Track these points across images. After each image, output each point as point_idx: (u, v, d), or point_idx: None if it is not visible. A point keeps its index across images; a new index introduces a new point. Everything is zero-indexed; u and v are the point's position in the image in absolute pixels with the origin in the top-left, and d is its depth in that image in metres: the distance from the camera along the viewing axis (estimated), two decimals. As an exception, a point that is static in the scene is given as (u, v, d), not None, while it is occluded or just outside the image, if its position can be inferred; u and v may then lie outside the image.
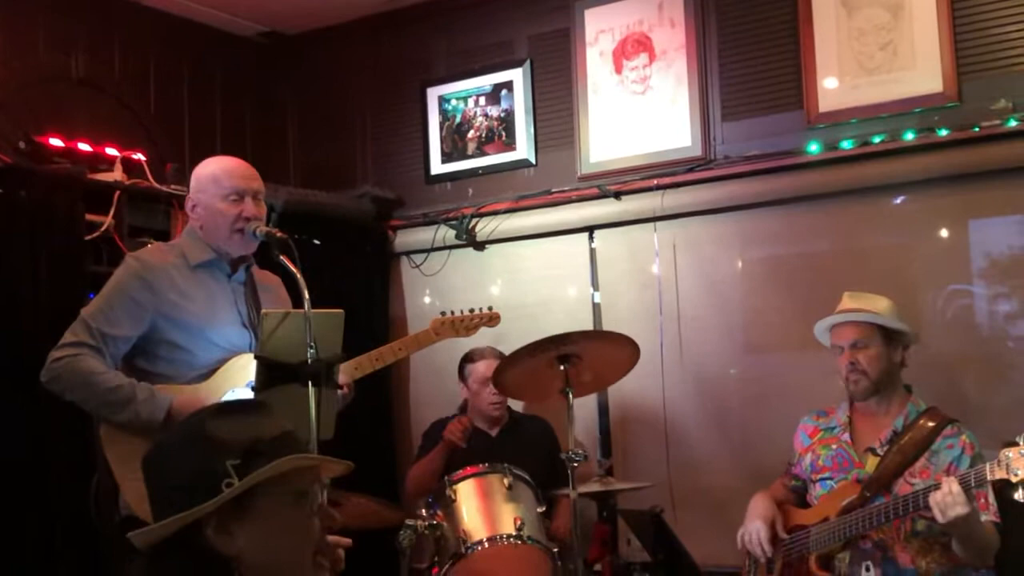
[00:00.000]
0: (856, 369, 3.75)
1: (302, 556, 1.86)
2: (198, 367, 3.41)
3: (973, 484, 3.26)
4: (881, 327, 3.76)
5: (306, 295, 3.13)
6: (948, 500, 3.24)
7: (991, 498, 3.51)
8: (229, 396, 3.37)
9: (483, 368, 4.87)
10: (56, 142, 4.78)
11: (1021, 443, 3.15)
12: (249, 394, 3.33)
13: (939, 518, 3.28)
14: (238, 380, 3.40)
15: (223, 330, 3.47)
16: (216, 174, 3.52)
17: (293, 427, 1.95)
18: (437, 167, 5.84)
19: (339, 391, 3.43)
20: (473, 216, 5.61)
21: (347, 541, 1.96)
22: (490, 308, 4.10)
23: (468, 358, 4.97)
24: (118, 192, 4.80)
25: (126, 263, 3.48)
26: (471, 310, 4.04)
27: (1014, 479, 3.13)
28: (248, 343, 3.50)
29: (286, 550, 1.84)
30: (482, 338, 4.88)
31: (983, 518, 3.48)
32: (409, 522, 4.00)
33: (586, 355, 4.13)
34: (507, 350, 4.33)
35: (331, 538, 1.94)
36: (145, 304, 3.36)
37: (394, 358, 3.76)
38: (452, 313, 4.02)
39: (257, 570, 1.81)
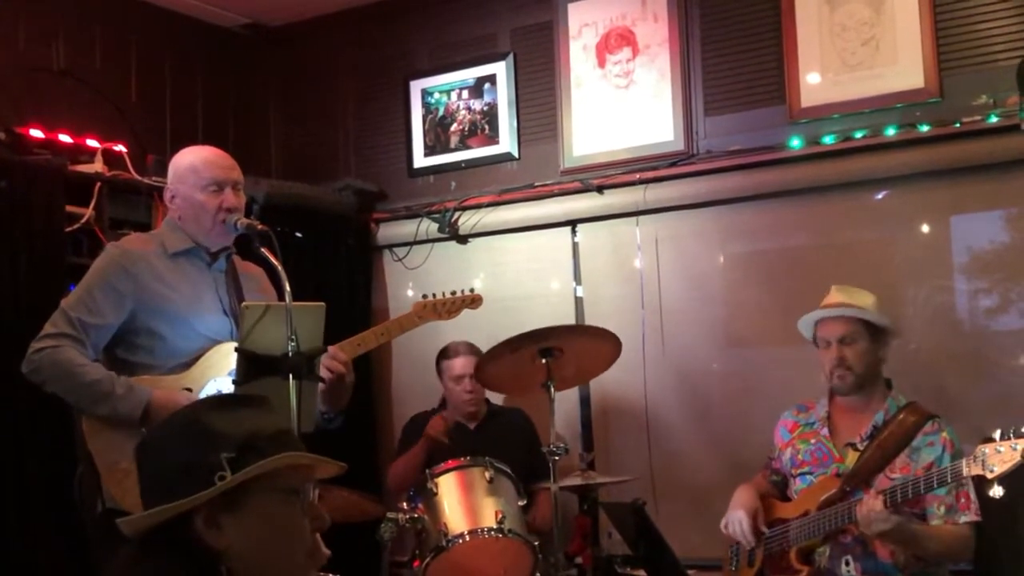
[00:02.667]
0: (843, 364, 3.75)
1: (291, 554, 1.84)
2: (178, 356, 3.40)
3: (936, 481, 3.32)
4: (867, 323, 3.76)
5: (287, 288, 3.12)
6: (871, 516, 3.33)
7: (972, 495, 3.52)
8: (210, 386, 3.37)
9: (457, 365, 4.90)
10: (37, 133, 4.75)
11: (997, 439, 3.17)
12: (230, 384, 3.32)
13: (865, 531, 3.39)
14: (219, 370, 3.39)
15: (204, 318, 3.45)
16: (195, 164, 3.50)
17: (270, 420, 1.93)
18: (420, 160, 5.83)
19: (338, 373, 3.44)
20: (456, 209, 5.60)
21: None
22: (472, 290, 4.08)
23: (443, 354, 4.99)
24: (99, 184, 4.78)
25: (107, 252, 3.47)
26: (452, 292, 4.02)
27: (989, 475, 3.15)
28: (229, 331, 3.49)
29: (274, 547, 1.82)
30: (464, 332, 4.88)
31: (962, 519, 3.50)
32: (390, 515, 4.01)
33: (568, 349, 4.14)
34: (489, 344, 4.33)
35: None
36: (126, 292, 3.35)
37: (377, 343, 3.73)
38: (434, 296, 4.00)
39: (245, 565, 1.80)
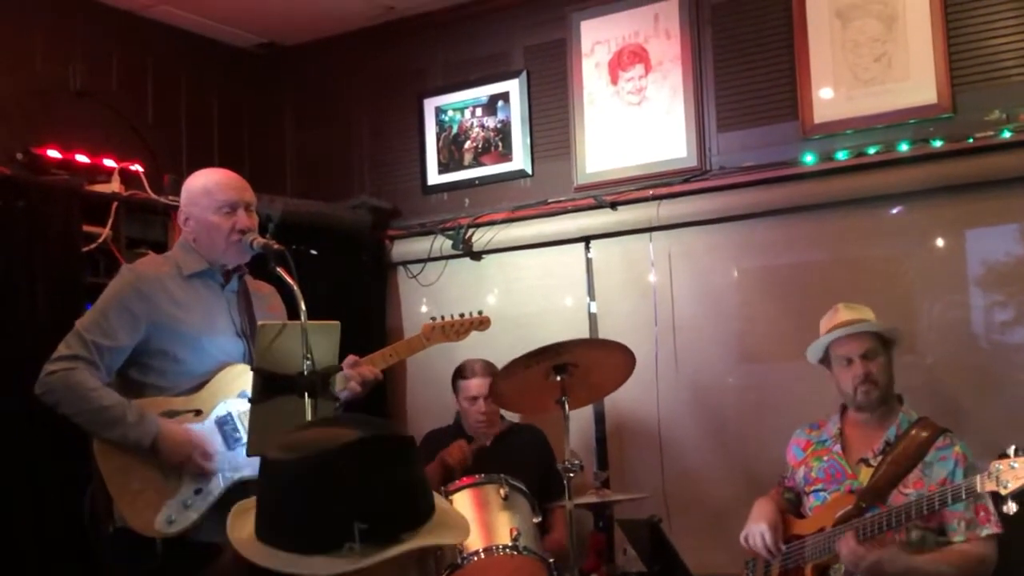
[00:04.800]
0: (869, 379, 3.73)
1: None
2: (191, 378, 3.42)
3: (951, 497, 3.32)
4: (880, 338, 3.76)
5: (302, 306, 3.13)
6: (853, 557, 3.37)
7: (991, 507, 3.50)
8: (220, 407, 3.39)
9: (472, 386, 4.88)
10: (54, 153, 4.79)
11: (1011, 455, 3.16)
12: (243, 404, 3.34)
13: (853, 571, 3.41)
14: (229, 391, 3.42)
15: (217, 339, 3.48)
16: (208, 187, 3.53)
17: (417, 477, 1.77)
18: (434, 177, 5.86)
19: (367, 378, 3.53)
20: (470, 226, 5.62)
21: None
22: (480, 312, 4.09)
23: (460, 373, 4.97)
24: (115, 203, 4.82)
25: (121, 274, 3.50)
26: (461, 315, 4.03)
27: (1003, 492, 3.14)
28: (242, 352, 3.51)
29: None
30: (478, 349, 4.88)
31: (984, 532, 3.48)
32: (405, 532, 3.99)
33: (582, 364, 4.13)
34: (503, 360, 4.33)
35: None
36: (140, 314, 3.38)
37: (385, 364, 3.74)
38: (443, 318, 4.01)
39: None
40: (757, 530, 3.82)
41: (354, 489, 1.65)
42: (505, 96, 5.64)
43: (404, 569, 1.72)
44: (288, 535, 1.66)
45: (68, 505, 4.11)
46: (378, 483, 1.67)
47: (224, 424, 3.38)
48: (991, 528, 3.50)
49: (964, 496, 3.30)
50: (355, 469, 1.65)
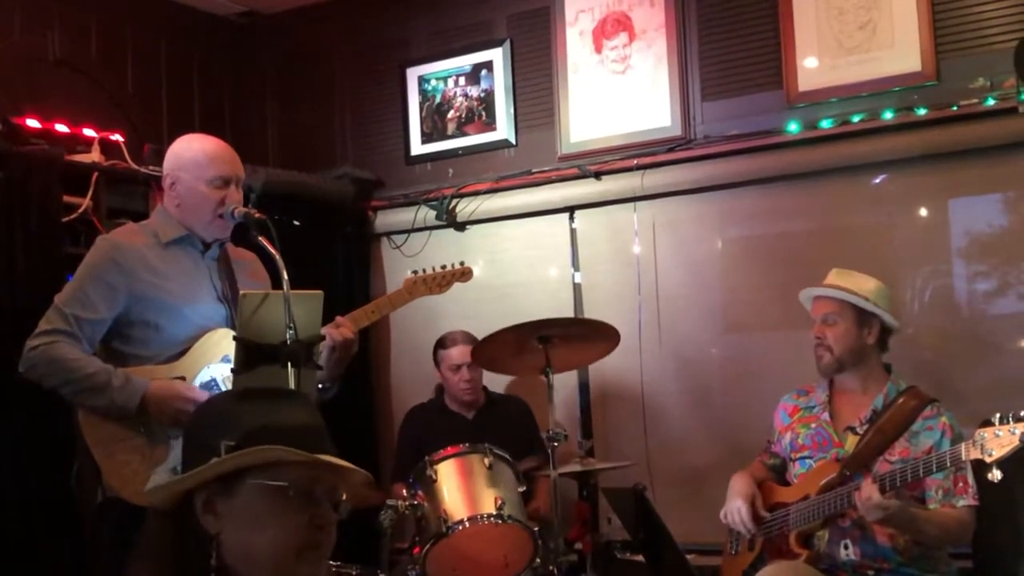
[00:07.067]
0: (821, 344, 3.78)
1: (278, 549, 1.80)
2: (173, 345, 3.40)
3: (935, 465, 3.33)
4: (855, 306, 3.76)
5: (285, 276, 3.11)
6: (869, 503, 3.34)
7: (971, 480, 3.52)
8: (204, 373, 3.38)
9: (455, 354, 4.89)
10: (33, 123, 4.74)
11: (996, 423, 3.17)
12: (226, 371, 3.32)
13: (864, 516, 3.41)
14: (212, 356, 3.40)
15: (198, 306, 3.45)
16: (199, 158, 3.48)
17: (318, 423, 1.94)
18: (417, 147, 5.83)
19: (346, 338, 3.49)
20: (453, 196, 5.60)
21: None
22: (462, 263, 4.05)
23: (441, 344, 4.98)
24: (96, 173, 4.77)
25: (97, 246, 3.46)
26: (443, 266, 3.99)
27: (988, 459, 3.15)
28: (224, 317, 3.49)
29: (253, 539, 1.80)
30: (463, 319, 4.88)
31: (960, 503, 3.50)
32: (390, 502, 4.00)
33: (566, 339, 4.15)
34: (487, 331, 4.33)
35: None
36: (118, 286, 3.35)
37: (368, 321, 3.70)
38: (424, 271, 3.97)
39: (232, 553, 1.81)
40: (734, 507, 3.83)
41: (224, 419, 1.87)
42: (488, 65, 5.60)
43: (271, 498, 1.80)
44: (187, 462, 1.88)
45: (56, 478, 4.10)
46: (255, 413, 1.86)
47: (209, 390, 3.36)
48: (968, 500, 3.51)
49: (948, 464, 3.31)
50: (228, 407, 1.92)
